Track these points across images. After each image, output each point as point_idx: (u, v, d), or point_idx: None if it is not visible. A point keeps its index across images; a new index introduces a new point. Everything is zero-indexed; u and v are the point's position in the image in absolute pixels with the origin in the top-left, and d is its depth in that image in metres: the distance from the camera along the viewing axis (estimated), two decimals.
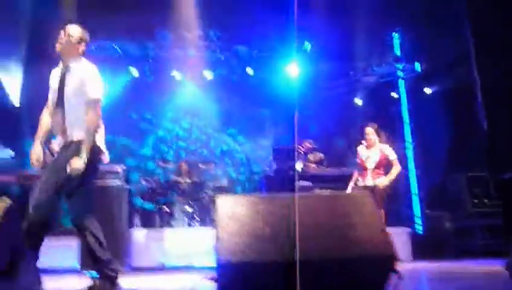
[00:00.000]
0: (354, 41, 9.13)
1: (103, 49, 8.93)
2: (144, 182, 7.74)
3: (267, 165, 8.87)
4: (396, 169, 5.49)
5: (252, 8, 8.09)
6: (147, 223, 7.29)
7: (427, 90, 9.39)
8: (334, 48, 8.97)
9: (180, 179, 7.62)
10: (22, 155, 7.97)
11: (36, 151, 3.49)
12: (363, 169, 5.61)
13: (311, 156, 6.71)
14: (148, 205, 7.67)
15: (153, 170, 9.18)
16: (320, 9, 8.31)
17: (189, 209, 7.28)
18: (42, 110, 3.74)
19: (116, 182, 6.18)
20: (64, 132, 3.46)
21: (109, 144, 9.36)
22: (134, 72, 9.29)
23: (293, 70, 9.28)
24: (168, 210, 7.27)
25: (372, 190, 5.19)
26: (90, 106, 3.37)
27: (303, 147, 6.70)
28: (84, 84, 3.40)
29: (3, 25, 7.55)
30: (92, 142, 3.35)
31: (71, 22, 3.59)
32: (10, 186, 6.85)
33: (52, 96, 3.52)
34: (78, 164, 3.22)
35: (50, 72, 3.66)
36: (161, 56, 9.27)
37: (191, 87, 9.77)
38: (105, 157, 3.71)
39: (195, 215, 7.33)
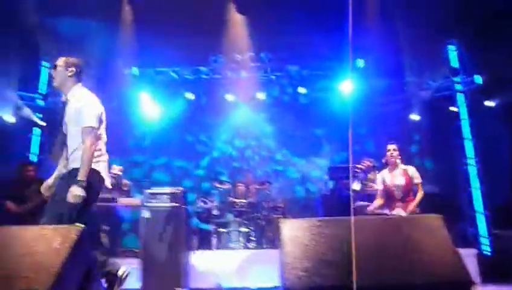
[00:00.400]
0: (408, 55, 8.94)
1: (161, 74, 9.26)
2: (201, 204, 7.83)
3: (323, 184, 8.76)
4: (420, 194, 5.03)
5: (302, 28, 8.13)
6: (204, 244, 7.35)
7: (489, 104, 8.98)
8: (388, 63, 8.82)
9: (236, 200, 7.66)
10: None
11: (48, 181, 3.66)
12: (391, 199, 5.10)
13: (371, 175, 6.51)
14: (205, 226, 7.74)
15: (208, 190, 9.29)
16: (373, 25, 8.23)
17: (246, 230, 7.27)
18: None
19: (174, 204, 6.30)
20: (66, 161, 3.58)
21: (166, 166, 9.62)
22: (190, 96, 9.53)
23: (346, 87, 9.17)
24: (224, 231, 7.30)
25: None
26: (84, 133, 3.47)
27: (363, 165, 6.52)
28: (79, 113, 3.51)
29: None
30: (87, 169, 3.40)
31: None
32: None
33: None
34: (76, 191, 3.30)
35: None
36: (214, 79, 9.47)
37: (244, 108, 9.88)
38: (108, 183, 3.77)
39: (251, 237, 7.32)
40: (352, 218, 2.53)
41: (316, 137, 9.87)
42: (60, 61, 3.65)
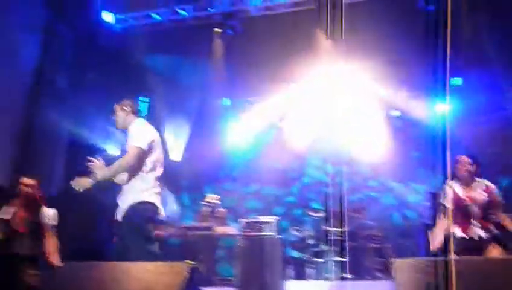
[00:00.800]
0: (507, 70, 8.30)
1: (252, 104, 9.41)
2: (295, 232, 7.71)
3: (422, 210, 8.27)
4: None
5: (394, 47, 7.89)
6: (300, 274, 7.19)
7: None
8: (487, 80, 8.25)
9: (331, 228, 7.43)
10: (182, 208, 8.61)
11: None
12: (464, 217, 4.27)
13: None
14: (300, 256, 7.59)
15: (300, 217, 9.17)
16: (469, 41, 7.77)
17: (342, 260, 7.01)
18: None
19: (270, 233, 6.26)
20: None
21: (257, 194, 9.61)
22: (280, 124, 9.56)
23: (442, 107, 8.65)
24: (320, 261, 7.10)
25: (480, 245, 4.11)
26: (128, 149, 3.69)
27: None
28: (130, 137, 3.81)
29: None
30: (105, 176, 3.61)
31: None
32: (171, 239, 7.35)
33: None
34: (83, 181, 3.55)
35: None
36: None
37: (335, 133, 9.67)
38: (162, 213, 3.79)
39: (347, 267, 7.03)
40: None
41: (412, 160, 9.39)
42: (116, 110, 4.03)
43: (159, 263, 2.42)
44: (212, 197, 7.35)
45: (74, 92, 8.60)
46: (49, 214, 4.49)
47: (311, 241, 7.53)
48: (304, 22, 8.30)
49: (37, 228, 4.36)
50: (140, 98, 10.16)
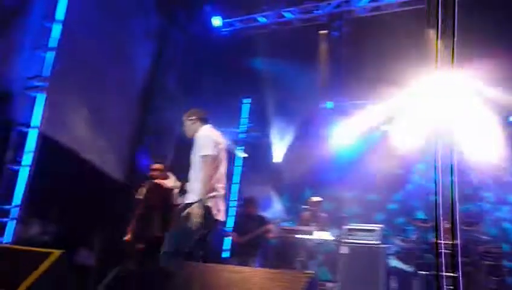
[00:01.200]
0: None
1: (357, 107, 9.19)
2: (399, 242, 7.38)
3: None
4: None
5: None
6: (405, 286, 6.85)
7: None
8: None
9: (441, 241, 6.98)
10: (283, 210, 8.65)
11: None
12: None
13: None
14: (404, 267, 7.24)
15: (402, 225, 8.78)
16: None
17: (453, 275, 6.55)
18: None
19: (374, 242, 6.06)
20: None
21: (358, 199, 9.36)
22: (385, 128, 9.24)
23: None
24: (426, 273, 6.71)
25: None
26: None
27: None
28: (197, 146, 4.09)
29: None
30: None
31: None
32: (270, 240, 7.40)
33: None
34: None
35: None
36: None
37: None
38: (219, 217, 3.92)
39: (457, 283, 6.55)
40: None
41: None
42: (184, 118, 4.39)
43: (278, 271, 2.41)
44: (313, 201, 7.27)
45: (185, 93, 9.02)
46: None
47: (416, 253, 7.14)
48: (413, 22, 7.93)
49: (167, 205, 4.91)
50: (244, 99, 10.43)
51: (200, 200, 3.75)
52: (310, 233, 6.82)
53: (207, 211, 3.82)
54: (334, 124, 9.38)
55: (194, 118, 4.31)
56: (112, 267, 7.22)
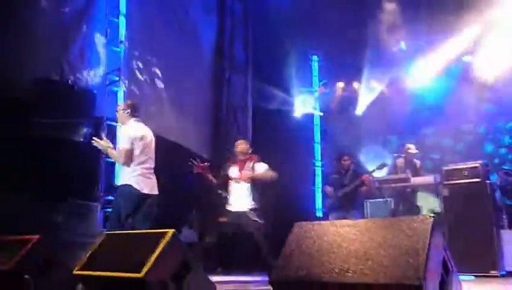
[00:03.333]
0: None
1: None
2: (504, 176, 6.93)
3: None
4: None
5: None
6: None
7: None
8: None
9: None
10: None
11: None
12: None
13: None
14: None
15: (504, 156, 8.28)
16: None
17: None
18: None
19: (476, 180, 5.73)
20: None
21: (453, 136, 8.66)
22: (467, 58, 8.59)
23: None
24: None
25: None
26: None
27: None
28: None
29: None
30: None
31: None
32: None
33: None
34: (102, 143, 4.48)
35: None
36: None
37: None
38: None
39: None
40: None
41: None
42: (120, 106, 4.66)
43: (394, 218, 2.31)
44: (407, 148, 6.96)
45: (253, 63, 8.98)
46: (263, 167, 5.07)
47: None
48: None
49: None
50: (313, 57, 10.18)
51: None
52: (408, 180, 6.56)
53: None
54: (411, 65, 8.88)
55: (123, 108, 4.56)
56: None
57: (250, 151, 5.24)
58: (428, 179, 6.60)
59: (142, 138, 4.36)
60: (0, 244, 4.10)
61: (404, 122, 9.02)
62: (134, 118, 4.45)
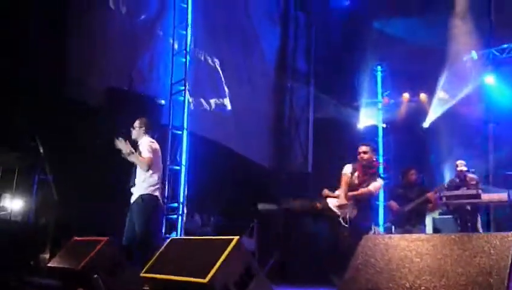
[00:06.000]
0: None
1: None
2: None
3: None
4: None
5: None
6: None
7: None
8: None
9: None
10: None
11: None
12: None
13: None
14: None
15: None
16: None
17: None
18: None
19: None
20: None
21: None
22: None
23: None
24: None
25: None
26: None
27: None
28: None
29: None
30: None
31: None
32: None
33: None
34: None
35: None
36: None
37: None
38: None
39: None
40: None
41: None
42: (136, 123, 4.77)
43: (470, 234, 2.17)
44: (456, 164, 6.60)
45: (315, 74, 8.93)
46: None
47: None
48: None
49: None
50: (377, 67, 9.96)
51: None
52: (478, 197, 6.19)
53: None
54: (482, 75, 8.44)
55: (143, 127, 4.76)
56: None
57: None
58: (502, 195, 6.20)
59: (159, 151, 4.72)
60: (73, 246, 4.31)
61: (476, 136, 8.56)
62: (147, 135, 4.75)
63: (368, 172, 4.84)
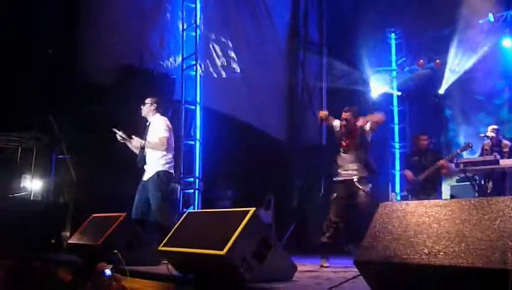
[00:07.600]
0: None
1: None
2: None
3: None
4: None
5: None
6: None
7: None
8: None
9: None
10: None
11: None
12: None
13: None
14: None
15: None
16: None
17: None
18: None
19: None
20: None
21: None
22: None
23: None
24: None
25: None
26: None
27: None
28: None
29: None
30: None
31: None
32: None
33: None
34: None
35: None
36: None
37: None
38: None
39: None
40: None
41: None
42: (147, 100, 4.77)
43: (488, 199, 2.12)
44: (491, 129, 6.46)
45: (327, 43, 8.76)
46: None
47: None
48: None
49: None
50: (391, 34, 9.74)
51: None
52: (496, 162, 6.10)
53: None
54: (500, 39, 8.20)
55: (154, 104, 4.76)
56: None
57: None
58: None
59: (172, 129, 4.75)
60: (92, 222, 4.38)
61: (494, 100, 8.39)
62: (158, 113, 4.75)
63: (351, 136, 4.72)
